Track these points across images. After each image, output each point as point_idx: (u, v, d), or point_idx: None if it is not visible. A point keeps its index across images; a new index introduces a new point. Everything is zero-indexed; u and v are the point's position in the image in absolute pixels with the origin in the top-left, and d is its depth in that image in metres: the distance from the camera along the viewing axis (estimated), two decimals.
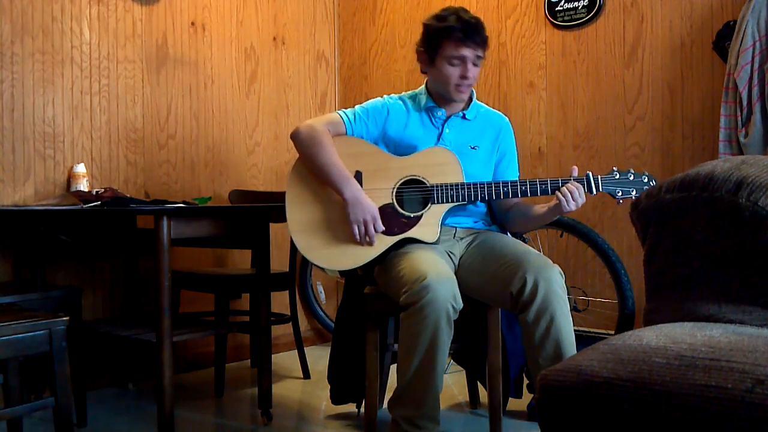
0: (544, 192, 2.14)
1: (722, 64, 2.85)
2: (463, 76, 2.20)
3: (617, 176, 2.14)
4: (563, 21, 3.32)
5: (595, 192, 2.13)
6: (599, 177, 2.14)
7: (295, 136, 2.24)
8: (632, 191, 2.13)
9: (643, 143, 3.09)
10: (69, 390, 1.90)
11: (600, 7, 3.20)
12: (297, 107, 3.97)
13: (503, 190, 2.15)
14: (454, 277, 2.02)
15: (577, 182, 2.11)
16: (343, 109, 2.32)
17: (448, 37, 2.18)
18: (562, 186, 2.11)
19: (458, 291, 1.97)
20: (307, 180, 2.24)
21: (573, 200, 2.07)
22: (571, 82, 3.31)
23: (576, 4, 3.27)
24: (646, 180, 2.14)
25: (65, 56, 3.01)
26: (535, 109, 3.42)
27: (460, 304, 1.96)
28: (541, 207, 2.22)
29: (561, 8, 3.32)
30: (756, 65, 2.63)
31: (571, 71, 3.31)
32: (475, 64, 2.22)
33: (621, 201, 2.14)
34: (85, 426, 2.54)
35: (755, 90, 2.63)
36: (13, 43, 2.86)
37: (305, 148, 2.21)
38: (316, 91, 4.09)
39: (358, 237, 2.14)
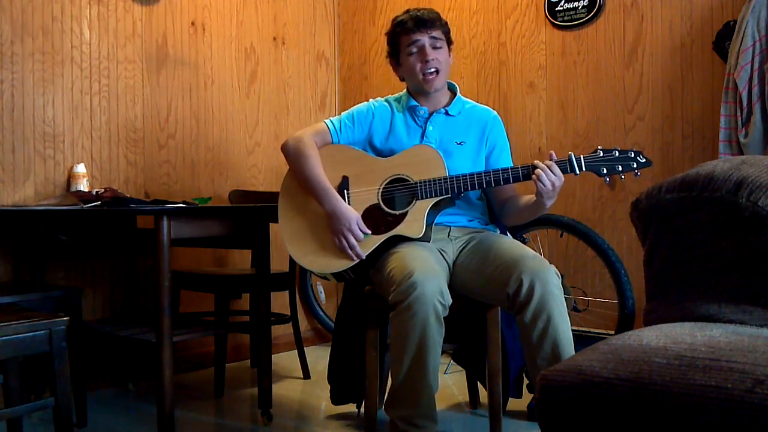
0: (527, 177, 2.09)
1: (722, 64, 2.85)
2: (424, 61, 2.25)
3: (601, 154, 2.06)
4: (563, 21, 3.32)
5: (578, 172, 2.05)
6: (581, 156, 2.07)
7: (284, 149, 2.34)
8: (618, 167, 2.04)
9: (643, 143, 3.08)
10: (69, 390, 1.89)
11: (600, 7, 3.20)
12: (297, 107, 3.97)
13: (485, 179, 2.13)
14: (442, 273, 2.02)
15: (559, 164, 2.05)
16: (331, 118, 2.38)
17: (401, 31, 2.29)
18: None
19: (446, 287, 1.97)
20: (297, 190, 2.31)
21: (548, 176, 2.01)
22: (571, 82, 3.31)
23: (576, 4, 3.27)
24: (632, 155, 2.04)
25: (65, 56, 3.01)
26: (535, 109, 3.42)
27: (448, 300, 1.96)
28: (528, 195, 2.20)
29: (561, 8, 3.32)
30: (756, 65, 2.63)
31: (571, 71, 3.31)
32: (435, 47, 2.26)
33: (608, 179, 2.06)
34: (85, 426, 2.54)
35: (755, 90, 2.63)
36: (13, 43, 2.86)
37: (292, 161, 2.31)
38: (316, 91, 4.09)
39: (341, 248, 2.18)
